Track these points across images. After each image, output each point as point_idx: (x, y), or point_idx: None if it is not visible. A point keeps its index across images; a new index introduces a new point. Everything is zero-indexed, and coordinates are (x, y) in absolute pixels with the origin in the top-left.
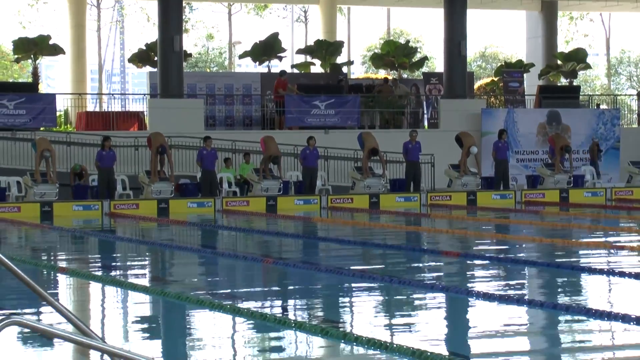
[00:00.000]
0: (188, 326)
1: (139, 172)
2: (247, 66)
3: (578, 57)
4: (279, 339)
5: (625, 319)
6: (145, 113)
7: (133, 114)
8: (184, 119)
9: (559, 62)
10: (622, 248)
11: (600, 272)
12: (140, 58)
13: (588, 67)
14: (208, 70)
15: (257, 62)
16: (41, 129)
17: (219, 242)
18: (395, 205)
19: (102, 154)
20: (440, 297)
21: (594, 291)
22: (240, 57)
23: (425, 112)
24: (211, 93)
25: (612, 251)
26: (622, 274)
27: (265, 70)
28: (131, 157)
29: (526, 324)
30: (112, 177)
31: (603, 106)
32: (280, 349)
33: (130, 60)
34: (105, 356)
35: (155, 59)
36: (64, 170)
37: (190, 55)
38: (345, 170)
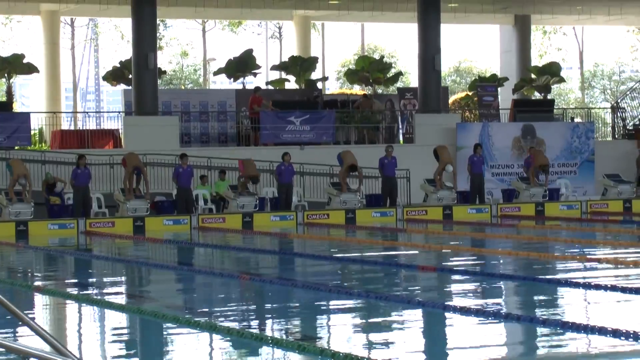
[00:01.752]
0: (165, 343)
1: (114, 190)
2: (222, 83)
3: (552, 71)
4: (256, 355)
5: (602, 331)
6: (120, 131)
7: (108, 131)
8: (159, 136)
9: (533, 75)
10: (598, 261)
11: (576, 285)
12: (115, 76)
13: (562, 80)
14: (183, 88)
15: (232, 79)
16: (16, 147)
17: (195, 259)
18: (372, 220)
19: (77, 172)
20: (417, 312)
21: (570, 304)
22: (215, 74)
23: (400, 127)
24: (186, 110)
25: (587, 264)
26: (597, 287)
27: (240, 86)
28: (106, 175)
29: (503, 338)
30: (88, 195)
31: (577, 119)
32: None
33: (104, 78)
34: None
35: (130, 76)
36: (38, 189)
37: (164, 72)
38: (321, 186)
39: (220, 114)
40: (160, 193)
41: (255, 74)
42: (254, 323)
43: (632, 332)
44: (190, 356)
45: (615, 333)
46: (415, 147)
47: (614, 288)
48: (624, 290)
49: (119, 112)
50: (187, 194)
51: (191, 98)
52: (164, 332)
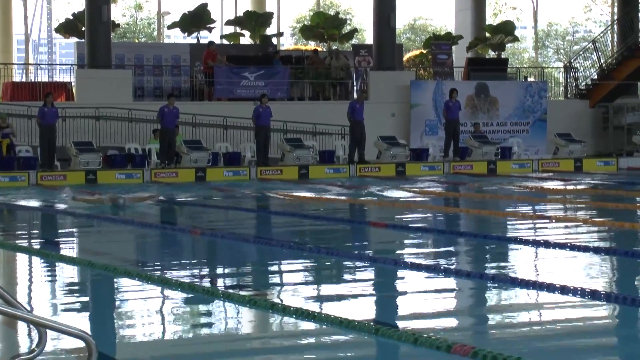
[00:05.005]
0: (116, 297)
1: (67, 144)
2: (176, 37)
3: (506, 30)
4: (207, 309)
5: (550, 287)
6: (72, 84)
7: (60, 84)
8: (112, 90)
9: (488, 34)
10: (548, 219)
11: (526, 242)
12: (68, 28)
13: (516, 39)
14: (136, 41)
15: (186, 33)
16: None
17: (147, 213)
18: (325, 176)
19: (43, 110)
20: (368, 267)
21: (520, 261)
22: (169, 27)
23: (354, 84)
24: (140, 64)
25: (537, 221)
26: (547, 244)
27: (194, 41)
28: (59, 128)
29: (453, 294)
30: (54, 135)
31: (530, 79)
32: (208, 320)
33: (57, 31)
34: (33, 328)
35: (83, 29)
36: None
37: (118, 25)
38: (275, 141)
39: (174, 69)
40: (112, 147)
41: (209, 29)
42: (205, 277)
43: (579, 288)
44: (141, 310)
45: (563, 289)
46: (369, 104)
47: (562, 245)
48: (572, 247)
49: (72, 64)
50: (170, 134)
51: (145, 52)
52: (115, 286)
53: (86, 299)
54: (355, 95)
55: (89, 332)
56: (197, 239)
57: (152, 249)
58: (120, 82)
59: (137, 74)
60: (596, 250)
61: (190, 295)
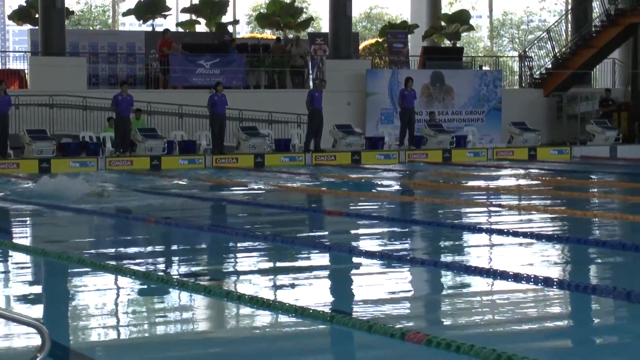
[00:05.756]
0: (70, 286)
1: (20, 132)
2: (131, 25)
3: (461, 19)
4: (162, 298)
5: (503, 275)
6: (26, 71)
7: (13, 72)
8: (66, 78)
9: (443, 23)
10: (502, 207)
11: (480, 230)
12: (21, 15)
13: (471, 28)
14: (91, 29)
15: (141, 21)
16: None
17: (101, 202)
18: (281, 164)
19: None
20: (323, 256)
21: (474, 249)
22: (124, 15)
23: (310, 72)
24: (94, 51)
25: (492, 210)
26: (501, 232)
27: (150, 28)
28: (12, 116)
29: (407, 282)
30: (7, 123)
31: (485, 68)
32: (163, 308)
33: (10, 17)
34: None
35: (37, 16)
36: None
37: (72, 12)
38: (231, 129)
39: (129, 56)
40: (67, 135)
41: (165, 16)
42: (160, 266)
43: (532, 275)
44: (96, 298)
45: (517, 277)
46: (325, 92)
47: (516, 233)
48: (525, 235)
49: (25, 52)
50: (125, 122)
51: (99, 39)
52: (69, 275)
53: (39, 288)
54: (311, 84)
55: (43, 321)
56: (152, 227)
57: (107, 238)
58: (74, 69)
59: (92, 61)
60: (549, 238)
61: (145, 284)
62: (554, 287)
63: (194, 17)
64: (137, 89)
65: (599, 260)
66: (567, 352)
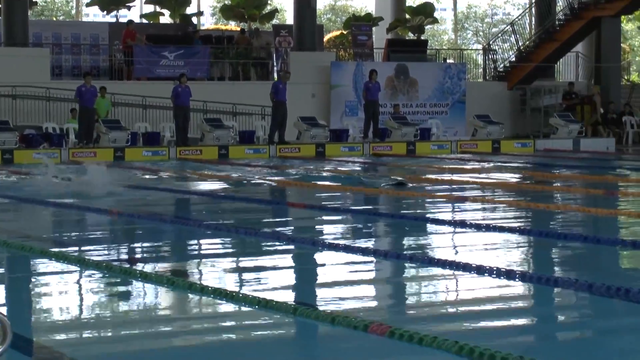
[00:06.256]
0: (32, 277)
1: None
2: (95, 16)
3: (426, 12)
4: (125, 290)
5: (466, 267)
6: None
7: None
8: (29, 68)
9: (407, 16)
10: (465, 199)
11: (443, 222)
12: None
13: (435, 21)
14: (54, 19)
15: (105, 12)
16: None
17: (64, 193)
18: (245, 156)
19: None
20: (287, 248)
21: (437, 241)
22: (88, 5)
23: (275, 64)
24: (57, 42)
25: (455, 202)
26: (464, 225)
27: (114, 20)
28: None
29: (371, 273)
30: None
31: (450, 60)
32: (126, 300)
33: None
34: None
35: None
36: None
37: (35, 3)
38: (195, 121)
39: (92, 47)
40: (29, 126)
41: (129, 7)
42: (123, 257)
43: (495, 267)
44: (58, 290)
45: (480, 269)
46: (289, 84)
47: (478, 226)
48: (488, 227)
49: None
50: (89, 113)
51: (63, 30)
52: (32, 266)
53: (1, 279)
54: (275, 76)
55: (4, 313)
56: (115, 219)
57: (70, 229)
58: (37, 60)
59: (55, 52)
60: (512, 231)
61: (107, 276)
62: (517, 279)
63: (158, 8)
64: (101, 80)
65: (561, 253)
66: (528, 344)
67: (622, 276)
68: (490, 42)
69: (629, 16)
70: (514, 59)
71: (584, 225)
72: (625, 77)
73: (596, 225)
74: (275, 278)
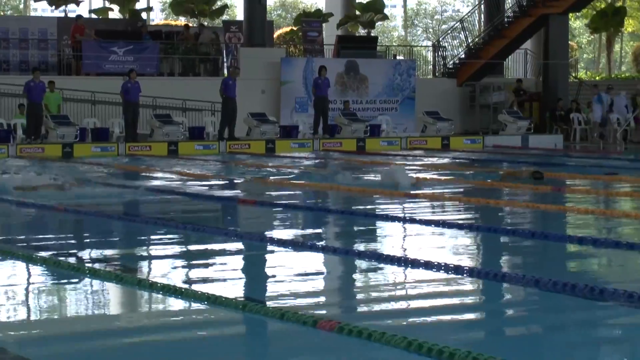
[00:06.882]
0: None
1: None
2: (44, 10)
3: (376, 8)
4: (73, 286)
5: (415, 263)
6: None
7: None
8: None
9: (358, 12)
10: (414, 196)
11: (392, 219)
12: None
13: (385, 18)
14: (2, 14)
15: (54, 7)
16: None
17: (9, 190)
18: (194, 152)
19: None
20: (236, 244)
21: (386, 237)
22: (36, 0)
23: (225, 60)
24: (5, 37)
25: (404, 199)
26: (412, 221)
27: (62, 14)
28: None
29: (320, 270)
30: None
31: (400, 57)
32: (74, 297)
33: None
34: None
35: None
36: None
37: None
38: (144, 117)
39: (40, 42)
40: None
41: (78, 2)
42: (71, 254)
43: (443, 263)
44: (4, 288)
45: (428, 265)
46: (239, 80)
47: (428, 222)
48: (437, 224)
49: None
50: (37, 108)
51: (10, 25)
52: None
53: None
54: (225, 72)
55: None
56: (62, 215)
57: (16, 226)
58: None
59: (2, 47)
60: (460, 227)
61: (55, 272)
62: (465, 275)
63: (107, 3)
64: (49, 76)
65: (509, 249)
66: (476, 340)
67: (569, 272)
68: (440, 39)
69: (577, 14)
70: (463, 56)
71: (531, 221)
72: (573, 74)
73: (544, 221)
74: (225, 274)
